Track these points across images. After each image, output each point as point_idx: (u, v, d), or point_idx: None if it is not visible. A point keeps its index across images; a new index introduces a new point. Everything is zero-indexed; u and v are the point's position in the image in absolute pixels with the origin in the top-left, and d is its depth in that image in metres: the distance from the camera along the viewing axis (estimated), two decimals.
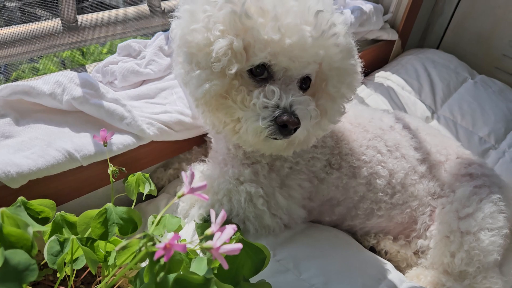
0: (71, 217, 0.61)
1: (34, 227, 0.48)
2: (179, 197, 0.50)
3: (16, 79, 1.04)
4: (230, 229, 0.44)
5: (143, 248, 0.42)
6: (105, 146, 0.70)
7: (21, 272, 0.43)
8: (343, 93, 0.79)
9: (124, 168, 0.70)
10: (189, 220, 0.85)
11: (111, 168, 0.64)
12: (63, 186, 0.84)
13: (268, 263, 0.72)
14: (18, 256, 0.43)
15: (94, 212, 0.56)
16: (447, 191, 0.99)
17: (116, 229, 0.55)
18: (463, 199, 0.94)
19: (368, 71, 1.65)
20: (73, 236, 0.52)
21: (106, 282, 0.61)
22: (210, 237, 0.46)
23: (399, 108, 1.45)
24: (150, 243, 0.43)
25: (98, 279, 0.73)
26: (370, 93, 1.48)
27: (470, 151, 1.11)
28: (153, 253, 0.54)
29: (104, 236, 0.55)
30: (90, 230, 0.55)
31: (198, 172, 0.89)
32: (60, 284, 0.64)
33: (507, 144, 1.44)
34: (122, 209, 0.57)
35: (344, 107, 0.82)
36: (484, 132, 1.44)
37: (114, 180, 0.64)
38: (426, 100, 1.51)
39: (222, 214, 0.46)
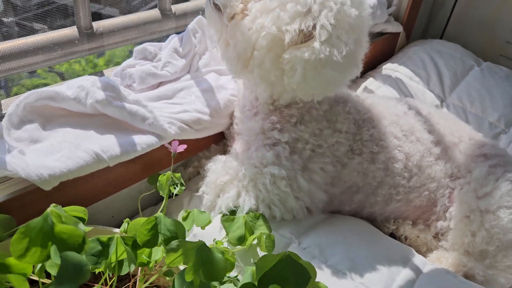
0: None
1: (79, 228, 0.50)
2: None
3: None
4: None
5: None
6: (173, 157, 0.73)
7: (77, 273, 0.45)
8: None
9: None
10: (216, 212, 0.87)
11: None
12: (90, 187, 0.87)
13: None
14: (73, 257, 0.45)
15: (143, 219, 0.58)
16: (463, 172, 1.01)
17: (161, 239, 0.57)
18: (480, 179, 0.96)
19: (375, 64, 1.68)
20: (118, 235, 0.54)
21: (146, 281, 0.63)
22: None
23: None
24: None
25: (133, 279, 0.75)
26: (379, 85, 1.50)
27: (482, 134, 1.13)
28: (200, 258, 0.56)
29: (150, 244, 0.57)
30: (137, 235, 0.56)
31: (221, 163, 0.91)
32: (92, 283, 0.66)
33: None
34: (169, 221, 0.59)
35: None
36: (494, 117, 1.46)
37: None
38: (435, 89, 1.53)
39: None
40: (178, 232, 0.60)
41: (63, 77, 2.26)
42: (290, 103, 0.92)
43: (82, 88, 0.86)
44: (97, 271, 0.59)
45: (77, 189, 0.84)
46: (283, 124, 0.91)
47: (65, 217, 0.50)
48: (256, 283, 0.56)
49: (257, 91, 0.93)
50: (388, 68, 1.59)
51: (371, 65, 1.68)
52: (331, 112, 0.94)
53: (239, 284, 0.59)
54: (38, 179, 0.74)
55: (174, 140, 0.72)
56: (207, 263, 0.56)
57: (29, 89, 0.92)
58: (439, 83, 1.55)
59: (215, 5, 0.84)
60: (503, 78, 1.62)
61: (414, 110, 1.05)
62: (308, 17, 0.78)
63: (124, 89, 0.91)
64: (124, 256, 0.56)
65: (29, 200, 0.78)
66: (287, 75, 0.81)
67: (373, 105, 1.02)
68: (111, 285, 0.68)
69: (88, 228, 0.57)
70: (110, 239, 0.56)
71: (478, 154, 1.01)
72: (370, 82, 1.51)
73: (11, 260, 0.50)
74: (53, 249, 0.48)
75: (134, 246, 0.58)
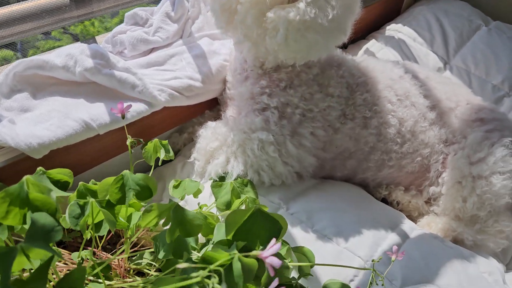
0: (93, 186, 0.64)
1: (56, 193, 0.52)
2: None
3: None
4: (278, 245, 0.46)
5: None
6: (123, 118, 0.73)
7: (47, 232, 0.47)
8: None
9: (141, 139, 0.72)
10: (206, 178, 0.89)
11: (129, 140, 0.67)
12: (82, 155, 0.88)
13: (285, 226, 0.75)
14: (43, 219, 0.47)
15: (112, 179, 0.60)
16: (458, 137, 0.99)
17: (132, 194, 0.59)
18: (475, 144, 0.95)
19: (380, 24, 1.63)
20: (92, 200, 0.56)
21: (129, 242, 0.66)
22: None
23: (410, 60, 1.43)
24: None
25: (123, 239, 0.78)
26: (381, 47, 1.47)
27: (482, 98, 1.11)
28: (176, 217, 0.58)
29: (122, 201, 0.58)
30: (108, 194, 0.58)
31: (211, 129, 0.91)
32: (88, 245, 0.69)
33: None
34: (138, 175, 0.60)
35: None
36: (498, 79, 1.42)
37: (132, 151, 0.67)
38: (439, 51, 1.49)
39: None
40: (148, 185, 0.62)
41: (77, 39, 2.25)
42: (279, 67, 0.91)
43: (71, 56, 0.86)
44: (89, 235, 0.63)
45: (69, 156, 0.85)
46: (272, 88, 0.90)
47: (40, 186, 0.52)
48: (230, 238, 0.58)
49: (243, 51, 0.91)
50: (392, 29, 1.55)
51: (376, 26, 1.64)
52: (323, 76, 0.93)
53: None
54: (28, 148, 0.75)
55: (120, 102, 0.71)
56: (182, 222, 0.57)
57: (43, 52, 0.92)
58: (443, 44, 1.50)
59: None
60: (511, 38, 1.57)
61: (410, 74, 1.03)
62: None
63: (113, 56, 0.90)
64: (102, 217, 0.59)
65: (21, 168, 0.80)
66: (269, 35, 0.79)
67: (368, 68, 1.00)
68: (97, 244, 0.72)
69: (67, 194, 0.59)
70: (85, 203, 0.58)
71: (475, 119, 1.00)
72: (372, 44, 1.48)
73: None
74: (28, 214, 0.51)
75: (110, 205, 0.60)
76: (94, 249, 0.69)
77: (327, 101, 0.91)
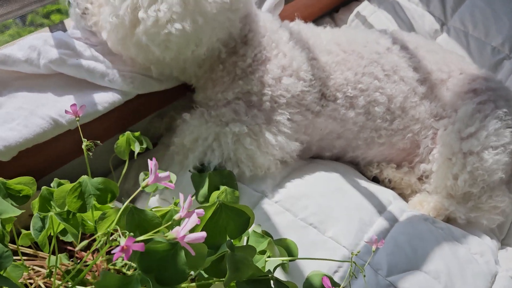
0: (55, 189, 0.62)
1: (7, 213, 0.49)
2: (143, 187, 0.49)
3: None
4: (195, 217, 0.43)
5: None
6: (78, 121, 0.67)
7: None
8: None
9: (99, 141, 0.67)
10: (184, 171, 0.86)
11: (84, 143, 0.62)
12: (58, 150, 0.85)
13: (263, 210, 0.73)
14: None
15: (69, 186, 0.57)
16: (449, 111, 0.94)
17: (93, 200, 0.56)
18: (466, 118, 0.90)
19: None
20: (51, 213, 0.54)
21: (96, 248, 0.63)
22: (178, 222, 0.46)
23: (405, 24, 1.36)
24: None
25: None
26: (374, 10, 1.39)
27: (480, 64, 1.04)
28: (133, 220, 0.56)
29: (83, 209, 0.56)
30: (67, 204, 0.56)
31: (187, 122, 0.88)
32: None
33: None
34: (97, 180, 0.57)
35: None
36: (498, 41, 1.34)
37: (90, 154, 0.63)
38: (435, 11, 1.40)
39: (189, 199, 0.45)
40: (109, 188, 0.59)
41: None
42: (209, 69, 0.89)
43: (34, 48, 0.81)
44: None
45: (42, 153, 0.82)
46: (220, 86, 0.88)
47: None
48: None
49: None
50: None
51: None
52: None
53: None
54: None
55: (73, 104, 0.66)
56: (140, 224, 0.55)
57: None
58: (440, 3, 1.41)
59: None
60: None
61: (399, 45, 0.97)
62: None
63: (80, 44, 0.85)
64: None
65: None
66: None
67: (348, 43, 0.94)
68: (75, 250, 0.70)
69: (18, 212, 0.56)
70: (45, 216, 0.55)
71: (467, 90, 0.94)
72: (364, 7, 1.39)
73: None
74: None
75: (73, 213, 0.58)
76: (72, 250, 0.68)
77: (298, 86, 0.86)
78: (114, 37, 0.81)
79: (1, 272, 0.44)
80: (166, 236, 0.44)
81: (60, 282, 0.59)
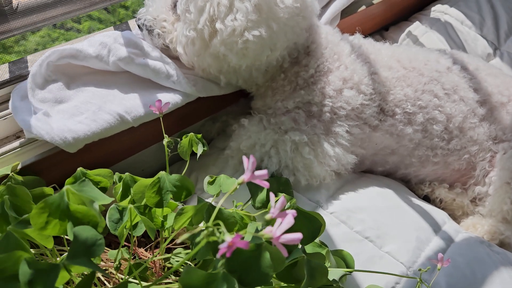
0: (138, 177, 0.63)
1: (99, 201, 0.50)
2: (240, 184, 0.49)
3: None
4: (290, 217, 0.43)
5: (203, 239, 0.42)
6: (161, 116, 0.70)
7: (90, 246, 0.45)
8: None
9: (178, 139, 0.69)
10: (238, 176, 0.86)
11: (166, 140, 0.64)
12: (117, 146, 0.87)
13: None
14: (86, 232, 0.45)
15: (148, 181, 0.58)
16: (509, 135, 0.93)
17: (170, 196, 0.57)
18: None
19: (424, 4, 1.54)
20: (130, 206, 0.54)
21: (165, 244, 0.64)
22: (271, 222, 0.46)
23: (458, 46, 1.35)
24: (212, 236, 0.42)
25: (158, 239, 0.76)
26: (425, 30, 1.38)
27: None
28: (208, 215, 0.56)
29: (160, 204, 0.57)
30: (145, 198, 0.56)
31: (244, 127, 0.89)
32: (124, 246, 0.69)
33: None
34: (174, 177, 0.58)
35: None
36: None
37: (169, 151, 0.65)
38: (488, 35, 1.39)
39: (282, 200, 0.45)
40: (185, 186, 0.60)
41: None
42: (271, 78, 0.90)
43: (104, 45, 0.83)
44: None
45: (104, 148, 0.84)
46: (280, 95, 0.89)
47: (81, 197, 0.50)
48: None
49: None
50: (438, 10, 1.45)
51: (420, 6, 1.54)
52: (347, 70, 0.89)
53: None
54: (63, 143, 0.74)
55: (158, 100, 0.69)
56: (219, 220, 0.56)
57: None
58: (494, 28, 1.40)
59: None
60: None
61: (459, 65, 0.96)
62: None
63: (147, 45, 0.87)
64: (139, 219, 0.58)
65: (56, 160, 0.79)
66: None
67: (408, 60, 0.94)
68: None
69: (108, 200, 0.57)
70: (124, 208, 0.56)
71: None
72: (415, 27, 1.39)
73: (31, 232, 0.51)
74: (69, 226, 0.49)
75: (149, 208, 0.59)
76: (131, 246, 0.69)
77: (359, 98, 0.86)
78: (190, 50, 0.83)
79: (93, 259, 0.44)
80: (263, 235, 0.44)
81: (126, 277, 0.60)
